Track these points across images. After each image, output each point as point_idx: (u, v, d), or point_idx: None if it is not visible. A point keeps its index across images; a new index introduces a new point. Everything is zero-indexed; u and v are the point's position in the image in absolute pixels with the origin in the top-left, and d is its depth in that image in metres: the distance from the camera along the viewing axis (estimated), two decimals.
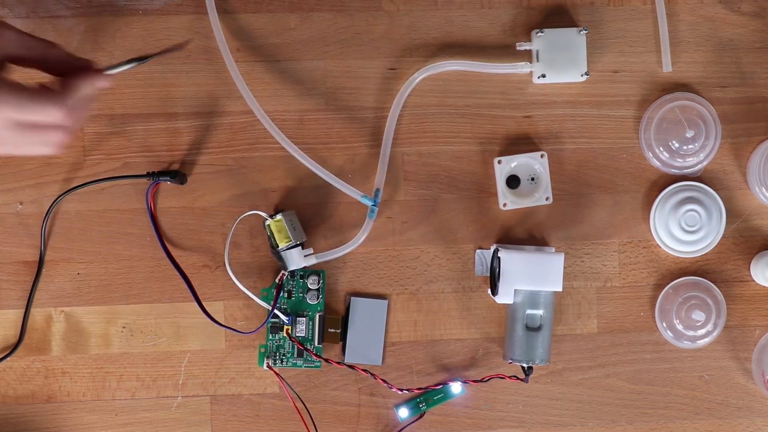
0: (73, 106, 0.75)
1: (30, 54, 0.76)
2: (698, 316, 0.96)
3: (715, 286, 0.97)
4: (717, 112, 0.96)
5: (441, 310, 0.97)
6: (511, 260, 0.91)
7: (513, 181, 0.96)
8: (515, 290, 0.92)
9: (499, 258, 0.91)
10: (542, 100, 0.97)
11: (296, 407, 0.96)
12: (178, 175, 0.94)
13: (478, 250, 0.96)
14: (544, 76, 0.95)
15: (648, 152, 0.97)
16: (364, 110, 0.96)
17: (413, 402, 0.96)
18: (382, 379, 0.95)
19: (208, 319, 0.92)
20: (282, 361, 0.96)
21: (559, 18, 0.96)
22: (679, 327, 0.96)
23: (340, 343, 0.96)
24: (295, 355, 0.96)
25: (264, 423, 0.96)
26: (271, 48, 0.96)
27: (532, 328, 0.92)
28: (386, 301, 0.96)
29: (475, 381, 0.96)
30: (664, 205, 0.96)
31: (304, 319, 0.95)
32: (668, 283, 0.97)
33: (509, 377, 0.95)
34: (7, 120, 0.73)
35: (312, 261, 0.94)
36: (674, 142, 0.96)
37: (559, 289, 0.92)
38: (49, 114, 0.74)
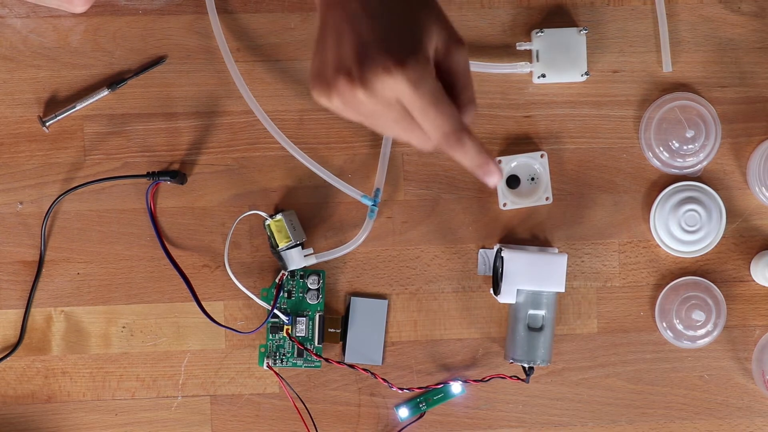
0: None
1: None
2: (698, 316, 0.96)
3: (715, 286, 0.97)
4: (717, 112, 0.96)
5: (441, 310, 0.97)
6: (515, 260, 0.91)
7: (513, 181, 0.96)
8: (518, 290, 0.92)
9: (502, 258, 0.91)
10: (542, 100, 0.97)
11: (296, 407, 0.96)
12: (178, 175, 0.94)
13: (481, 250, 0.96)
14: (544, 75, 0.95)
15: (648, 152, 0.97)
16: None
17: (413, 402, 0.96)
18: (382, 379, 0.95)
19: (208, 319, 0.92)
20: (282, 361, 0.96)
21: (559, 18, 0.96)
22: (679, 327, 0.96)
23: (340, 343, 0.96)
24: (295, 355, 0.96)
25: (264, 423, 0.96)
26: (271, 48, 0.96)
27: (534, 329, 0.92)
28: (386, 301, 0.96)
29: (475, 381, 0.96)
30: (664, 205, 0.96)
31: (304, 319, 0.95)
32: (668, 283, 0.97)
33: (510, 377, 0.95)
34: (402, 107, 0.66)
35: (312, 261, 0.94)
36: (674, 142, 0.96)
37: (562, 290, 0.92)
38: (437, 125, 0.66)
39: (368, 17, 0.65)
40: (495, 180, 0.70)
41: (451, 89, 0.67)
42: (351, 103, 0.66)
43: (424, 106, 0.65)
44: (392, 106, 0.66)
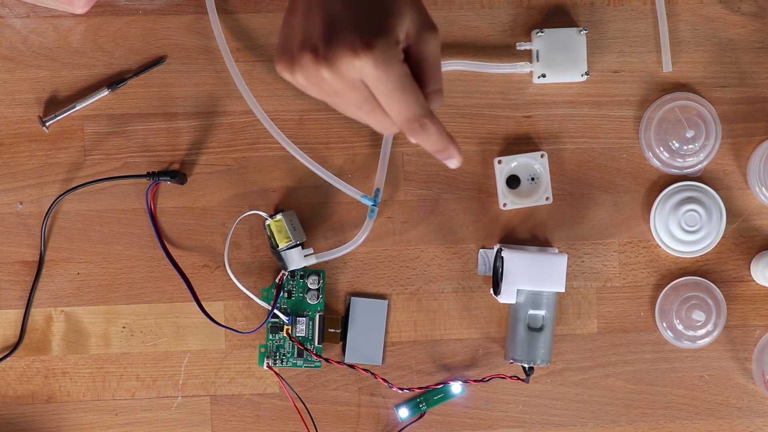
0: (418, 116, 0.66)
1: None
2: (698, 316, 0.96)
3: (715, 286, 0.97)
4: (717, 112, 0.96)
5: (441, 310, 0.97)
6: (515, 260, 0.91)
7: (513, 181, 0.96)
8: (518, 290, 0.92)
9: (502, 258, 0.91)
10: (542, 100, 0.97)
11: (296, 407, 0.96)
12: (178, 175, 0.94)
13: (481, 250, 0.96)
14: (544, 76, 0.95)
15: (648, 152, 0.97)
16: None
17: (413, 402, 0.96)
18: (382, 379, 0.95)
19: (208, 319, 0.92)
20: (282, 361, 0.96)
21: (559, 18, 0.96)
22: (679, 327, 0.96)
23: (340, 343, 0.96)
24: (295, 355, 0.96)
25: (264, 423, 0.96)
26: (271, 48, 0.96)
27: (534, 329, 0.92)
28: (386, 301, 0.96)
29: (475, 381, 0.96)
30: (664, 205, 0.96)
31: (304, 319, 0.95)
32: (668, 283, 0.97)
33: (510, 377, 0.95)
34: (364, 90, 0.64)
35: (312, 261, 0.94)
36: (674, 142, 0.96)
37: (562, 290, 0.92)
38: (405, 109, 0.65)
39: None
40: (455, 163, 0.70)
41: (419, 77, 0.66)
42: (314, 81, 0.64)
43: (389, 91, 0.63)
44: (356, 88, 0.64)
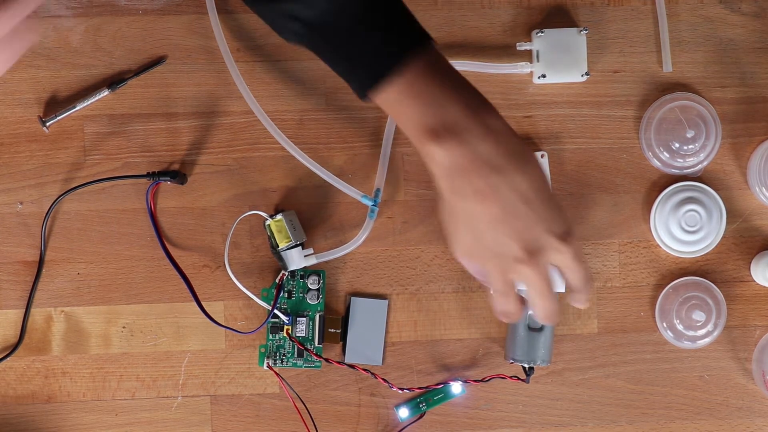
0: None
1: None
2: (698, 316, 0.96)
3: (715, 286, 0.97)
4: (717, 112, 0.96)
5: (441, 310, 0.97)
6: None
7: None
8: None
9: None
10: (542, 100, 0.97)
11: (296, 407, 0.96)
12: (178, 175, 0.94)
13: None
14: (544, 76, 0.95)
15: (648, 152, 0.97)
16: (364, 110, 0.96)
17: (413, 402, 0.96)
18: (382, 379, 0.95)
19: (208, 319, 0.92)
20: (282, 361, 0.96)
21: (559, 18, 0.96)
22: (679, 327, 0.96)
23: (341, 343, 0.96)
24: (295, 355, 0.96)
25: (264, 423, 0.96)
26: (271, 48, 0.96)
27: (534, 329, 0.92)
28: (386, 301, 0.96)
29: (475, 381, 0.96)
30: (664, 205, 0.96)
31: (304, 319, 0.95)
32: (668, 283, 0.97)
33: (510, 377, 0.95)
34: None
35: (312, 261, 0.94)
36: (674, 142, 0.96)
37: (562, 290, 0.92)
38: None
39: (525, 204, 0.75)
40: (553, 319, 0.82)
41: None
42: (519, 277, 0.78)
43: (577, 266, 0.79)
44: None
